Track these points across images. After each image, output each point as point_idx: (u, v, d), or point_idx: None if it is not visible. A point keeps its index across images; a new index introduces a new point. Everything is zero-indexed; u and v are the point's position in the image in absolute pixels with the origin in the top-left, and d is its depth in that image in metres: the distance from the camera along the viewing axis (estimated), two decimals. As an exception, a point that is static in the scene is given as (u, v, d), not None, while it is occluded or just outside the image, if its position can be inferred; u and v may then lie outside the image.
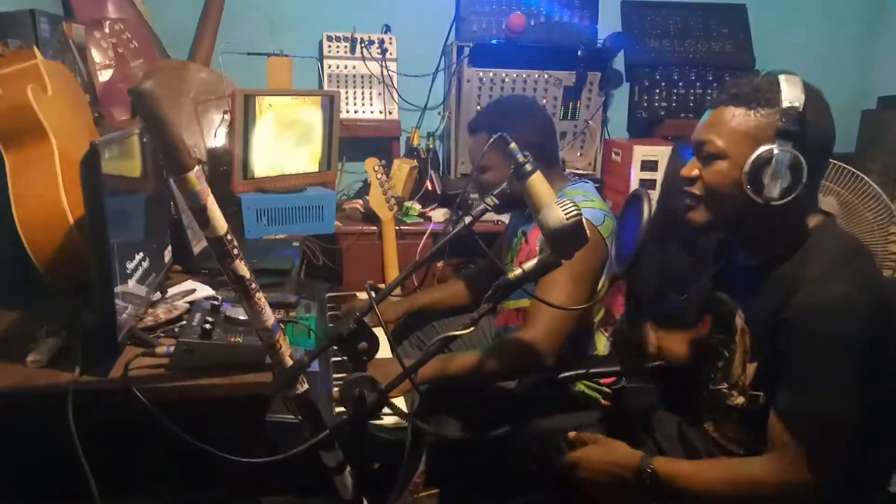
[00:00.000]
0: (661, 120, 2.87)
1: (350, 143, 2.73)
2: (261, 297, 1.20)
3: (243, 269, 1.18)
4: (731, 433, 1.37)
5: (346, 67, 2.71)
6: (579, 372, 1.77)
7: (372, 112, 2.75)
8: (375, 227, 2.45)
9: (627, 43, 2.78)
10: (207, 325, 1.31)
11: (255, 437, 1.35)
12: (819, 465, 1.14)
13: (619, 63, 2.87)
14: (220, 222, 1.15)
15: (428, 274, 2.54)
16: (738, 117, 1.23)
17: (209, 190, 1.14)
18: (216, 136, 2.33)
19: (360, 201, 2.60)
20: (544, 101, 2.70)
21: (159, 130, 1.05)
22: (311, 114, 2.38)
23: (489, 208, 1.36)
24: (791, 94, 1.19)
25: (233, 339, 1.32)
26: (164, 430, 1.18)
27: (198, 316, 1.37)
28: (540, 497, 1.72)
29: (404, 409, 1.60)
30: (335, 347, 1.28)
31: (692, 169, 1.31)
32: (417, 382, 1.66)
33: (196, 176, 1.11)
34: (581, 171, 2.76)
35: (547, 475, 1.66)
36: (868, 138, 2.94)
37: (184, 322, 1.41)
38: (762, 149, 1.19)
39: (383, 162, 2.40)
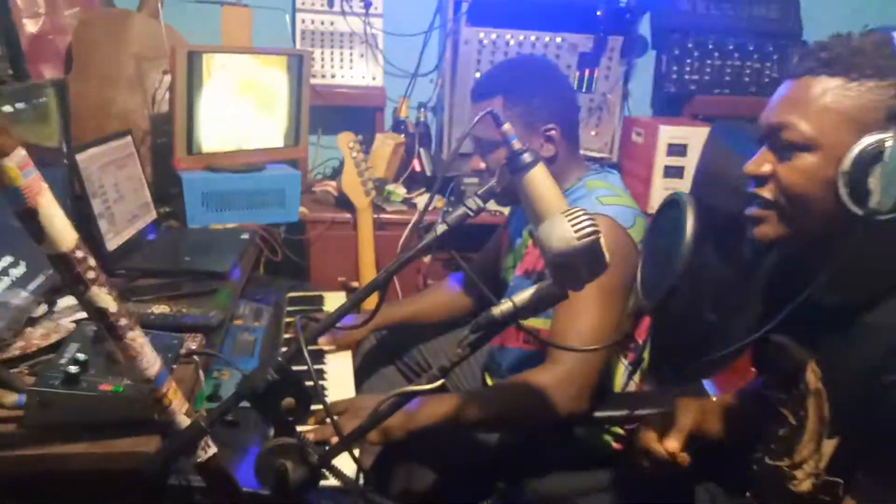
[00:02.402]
0: (691, 96, 2.49)
1: (326, 113, 2.36)
2: (136, 338, 0.85)
3: (105, 299, 0.82)
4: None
5: (322, 23, 2.32)
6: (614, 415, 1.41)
7: (353, 77, 2.37)
8: (349, 215, 2.09)
9: (656, 3, 2.39)
10: (74, 368, 0.95)
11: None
12: None
13: (644, 28, 2.48)
14: (64, 232, 0.78)
15: (412, 271, 2.18)
16: (833, 92, 0.88)
17: (43, 185, 0.77)
18: (158, 101, 1.95)
19: (334, 183, 2.22)
20: (555, 69, 2.32)
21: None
22: (274, 77, 2.00)
23: (471, 213, 1.00)
24: None
25: (109, 388, 0.95)
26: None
27: (71, 349, 1.01)
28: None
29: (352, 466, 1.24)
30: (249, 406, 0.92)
31: (762, 163, 0.95)
32: (414, 428, 1.29)
33: (18, 165, 0.74)
34: (596, 154, 2.38)
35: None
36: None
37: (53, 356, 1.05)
38: (872, 138, 0.83)
39: (359, 138, 2.02)
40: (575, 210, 0.88)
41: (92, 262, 0.78)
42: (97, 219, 1.44)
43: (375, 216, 2.11)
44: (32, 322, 1.18)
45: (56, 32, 2.00)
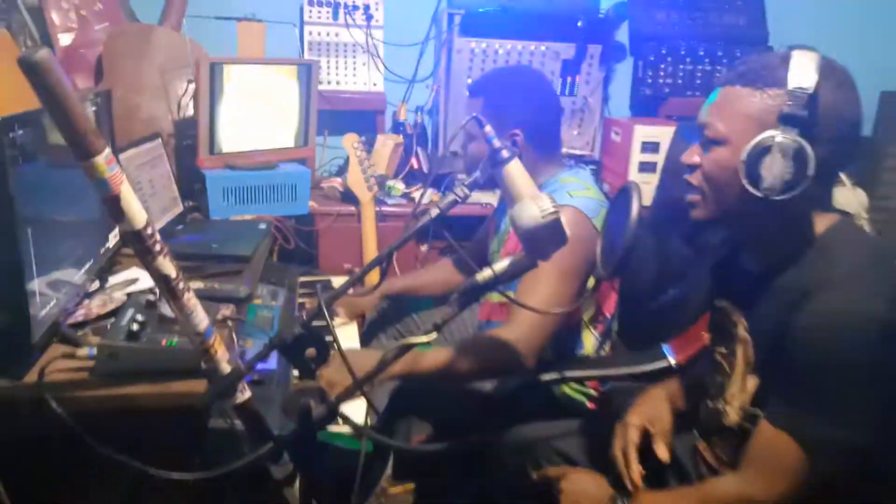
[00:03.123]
0: (665, 98, 2.68)
1: (332, 116, 2.56)
2: (191, 298, 1.06)
3: (168, 266, 1.03)
4: (724, 455, 1.24)
5: (328, 34, 2.52)
6: (557, 376, 1.63)
7: (356, 83, 2.57)
8: (354, 208, 2.29)
9: (632, 13, 2.58)
10: (135, 326, 1.16)
11: (197, 447, 1.23)
12: (794, 484, 1.06)
13: (622, 36, 2.68)
14: (138, 214, 0.99)
15: (411, 258, 2.39)
16: (743, 98, 1.08)
17: (122, 176, 0.98)
18: (183, 107, 2.17)
19: (340, 179, 2.43)
20: (540, 75, 2.52)
21: (57, 107, 0.88)
22: (286, 84, 2.21)
23: (459, 200, 1.20)
24: (800, 73, 1.03)
25: (164, 343, 1.17)
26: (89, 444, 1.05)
27: (129, 313, 1.22)
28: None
29: (363, 411, 1.45)
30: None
31: (692, 155, 1.16)
32: (385, 378, 1.52)
33: (106, 160, 0.95)
34: (578, 152, 2.59)
35: (522, 489, 1.53)
36: (887, 121, 2.76)
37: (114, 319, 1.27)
38: (763, 135, 1.03)
39: (363, 138, 2.23)
40: (541, 195, 1.10)
41: (158, 237, 0.99)
42: (137, 209, 1.66)
43: (377, 209, 2.30)
44: (89, 296, 1.40)
45: (87, 46, 2.20)
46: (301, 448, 1.16)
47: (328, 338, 1.14)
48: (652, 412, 1.34)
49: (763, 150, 1.03)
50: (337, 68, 2.55)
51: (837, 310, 0.99)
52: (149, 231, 0.99)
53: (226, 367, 1.11)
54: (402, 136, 2.49)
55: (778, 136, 1.02)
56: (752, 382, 1.15)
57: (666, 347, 1.65)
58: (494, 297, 1.79)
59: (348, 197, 2.32)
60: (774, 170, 1.02)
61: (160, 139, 1.92)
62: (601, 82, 2.57)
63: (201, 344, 1.07)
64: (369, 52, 2.54)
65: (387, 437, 1.39)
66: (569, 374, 1.63)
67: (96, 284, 1.44)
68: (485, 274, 1.16)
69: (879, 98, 2.79)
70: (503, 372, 1.61)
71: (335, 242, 2.30)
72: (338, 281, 2.13)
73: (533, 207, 1.08)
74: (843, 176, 1.94)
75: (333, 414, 1.14)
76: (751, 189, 1.04)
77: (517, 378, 1.64)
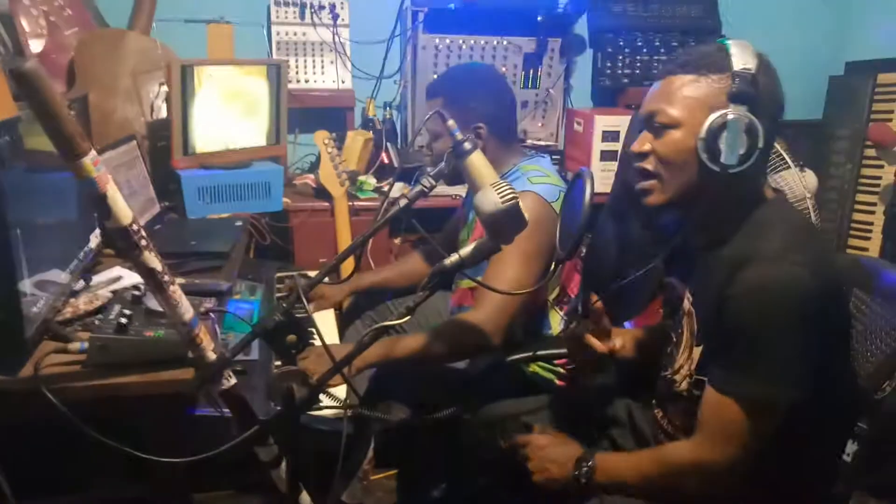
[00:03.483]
0: (624, 88, 2.78)
1: (303, 114, 2.62)
2: (176, 290, 1.13)
3: (154, 260, 1.10)
4: (677, 420, 1.33)
5: (295, 34, 2.58)
6: (527, 354, 1.72)
7: (324, 81, 2.63)
8: (327, 204, 2.35)
9: (589, 7, 2.67)
10: (123, 320, 1.23)
11: (186, 433, 1.29)
12: (742, 445, 1.13)
13: (582, 29, 2.77)
14: (124, 211, 1.06)
15: (385, 251, 2.46)
16: (688, 85, 1.17)
17: (109, 176, 1.05)
18: (156, 109, 2.21)
19: (312, 176, 2.50)
20: (503, 68, 2.60)
21: (46, 113, 0.95)
22: (256, 84, 2.26)
23: (426, 190, 1.28)
24: (743, 57, 1.14)
25: (150, 334, 1.23)
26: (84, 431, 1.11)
27: (116, 308, 1.28)
28: (488, 482, 1.68)
29: (343, 396, 1.53)
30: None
31: (643, 143, 1.24)
32: (363, 366, 1.60)
33: (92, 161, 1.02)
34: (543, 142, 2.68)
35: (495, 461, 1.62)
36: (835, 104, 2.89)
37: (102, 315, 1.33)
38: (717, 114, 1.13)
39: (333, 135, 2.30)
40: (500, 182, 1.18)
41: (143, 233, 1.06)
42: (116, 211, 1.71)
43: (350, 204, 2.37)
44: (75, 294, 1.45)
45: (58, 51, 2.23)
46: (285, 430, 1.23)
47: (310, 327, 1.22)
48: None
49: (719, 128, 1.12)
50: (305, 67, 2.61)
51: (764, 279, 1.08)
52: (135, 227, 1.06)
53: (211, 355, 1.18)
54: (371, 132, 2.55)
55: (730, 113, 1.12)
56: (697, 351, 1.24)
57: (628, 324, 1.76)
58: (464, 283, 1.88)
59: (321, 193, 2.39)
60: (732, 144, 1.12)
61: (135, 141, 1.97)
62: (562, 74, 2.66)
63: (188, 333, 1.14)
64: (336, 51, 2.60)
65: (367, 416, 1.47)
66: (537, 353, 1.73)
67: (81, 283, 1.49)
68: (452, 258, 1.24)
69: (828, 83, 2.91)
70: (473, 353, 1.70)
71: (310, 238, 2.36)
72: (313, 275, 2.19)
73: (493, 194, 1.17)
74: (787, 158, 2.06)
75: (315, 396, 1.21)
76: (710, 164, 1.14)
77: (488, 358, 1.73)
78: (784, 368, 1.10)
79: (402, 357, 1.58)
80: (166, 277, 1.09)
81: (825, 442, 1.25)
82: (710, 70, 1.16)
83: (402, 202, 1.27)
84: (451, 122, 1.30)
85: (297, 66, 2.60)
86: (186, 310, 1.12)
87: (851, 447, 2.26)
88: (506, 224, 1.19)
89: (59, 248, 1.43)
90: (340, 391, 1.54)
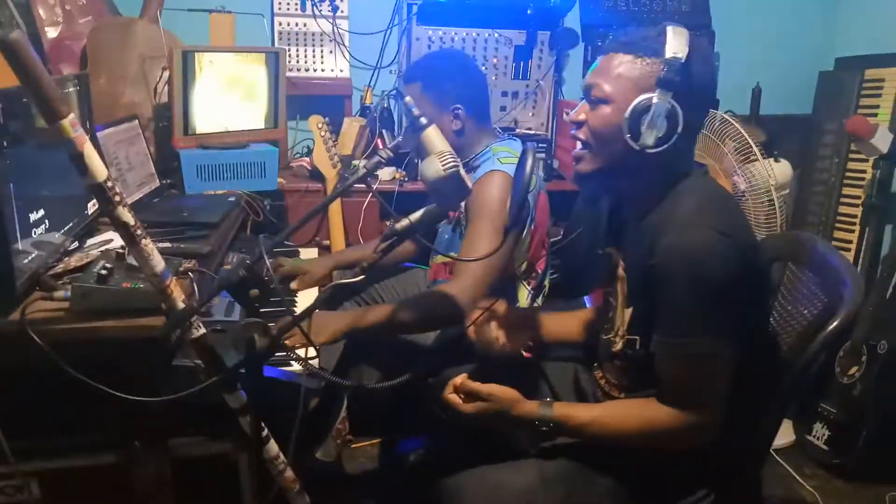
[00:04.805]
0: (614, 80, 2.84)
1: (304, 101, 2.75)
2: (148, 244, 1.24)
3: (126, 215, 1.22)
4: (614, 379, 1.42)
5: (297, 25, 2.71)
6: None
7: (323, 70, 2.76)
8: (321, 185, 2.47)
9: (581, 1, 2.75)
10: (104, 272, 1.35)
11: (163, 381, 1.40)
12: (707, 401, 1.18)
13: (575, 23, 2.85)
14: (99, 168, 1.18)
15: (375, 233, 2.57)
16: (625, 64, 1.26)
17: (86, 137, 1.18)
18: (161, 93, 2.36)
19: (308, 159, 2.62)
20: (494, 60, 2.70)
21: (29, 79, 1.08)
22: (255, 71, 2.40)
23: (383, 161, 1.38)
24: (675, 45, 1.21)
25: (128, 285, 1.36)
26: (66, 372, 1.23)
27: (100, 263, 1.41)
28: (446, 443, 1.79)
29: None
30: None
31: (579, 113, 1.33)
32: (335, 333, 1.69)
33: (71, 123, 1.14)
34: (533, 131, 2.77)
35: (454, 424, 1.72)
36: (825, 99, 2.94)
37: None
38: (643, 97, 1.22)
39: (327, 119, 2.41)
40: (445, 153, 1.29)
41: (118, 189, 1.18)
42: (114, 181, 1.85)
43: (343, 185, 2.49)
44: (69, 254, 1.59)
45: (73, 38, 2.39)
46: (249, 377, 1.35)
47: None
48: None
49: (643, 110, 1.22)
50: (306, 56, 2.74)
51: (678, 244, 1.17)
52: (109, 184, 1.19)
53: (181, 305, 1.30)
54: (366, 119, 2.67)
55: (655, 98, 1.21)
56: (628, 313, 1.33)
57: (587, 298, 1.85)
58: (439, 258, 1.98)
59: (315, 175, 2.51)
60: (651, 127, 1.21)
61: (137, 121, 2.11)
62: (552, 66, 2.75)
63: (159, 284, 1.26)
64: (335, 41, 2.72)
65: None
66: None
67: (76, 245, 1.63)
68: (403, 223, 1.35)
69: (818, 78, 2.96)
70: (445, 323, 1.79)
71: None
72: (305, 252, 2.32)
73: (436, 162, 1.28)
74: (756, 150, 2.13)
75: (275, 345, 1.32)
76: (631, 143, 1.23)
77: (459, 328, 1.83)
78: (709, 324, 1.17)
79: (372, 324, 1.66)
80: (139, 232, 1.21)
81: (744, 401, 1.32)
82: (646, 53, 1.24)
83: (361, 171, 1.38)
84: (408, 99, 1.42)
85: (297, 56, 2.73)
86: (157, 263, 1.24)
87: (820, 429, 2.35)
88: (448, 191, 1.30)
89: (60, 214, 1.57)
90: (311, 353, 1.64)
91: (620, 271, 1.37)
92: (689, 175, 1.29)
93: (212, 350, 1.35)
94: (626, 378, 1.37)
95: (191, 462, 1.52)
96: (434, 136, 1.42)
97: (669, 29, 1.24)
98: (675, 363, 1.21)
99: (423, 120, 1.42)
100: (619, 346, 1.36)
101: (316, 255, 2.30)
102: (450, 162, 1.26)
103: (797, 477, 2.31)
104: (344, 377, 1.91)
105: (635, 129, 1.23)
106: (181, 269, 1.54)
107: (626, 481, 1.29)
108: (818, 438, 2.36)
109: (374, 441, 2.42)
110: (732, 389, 1.21)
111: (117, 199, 1.19)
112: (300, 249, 2.33)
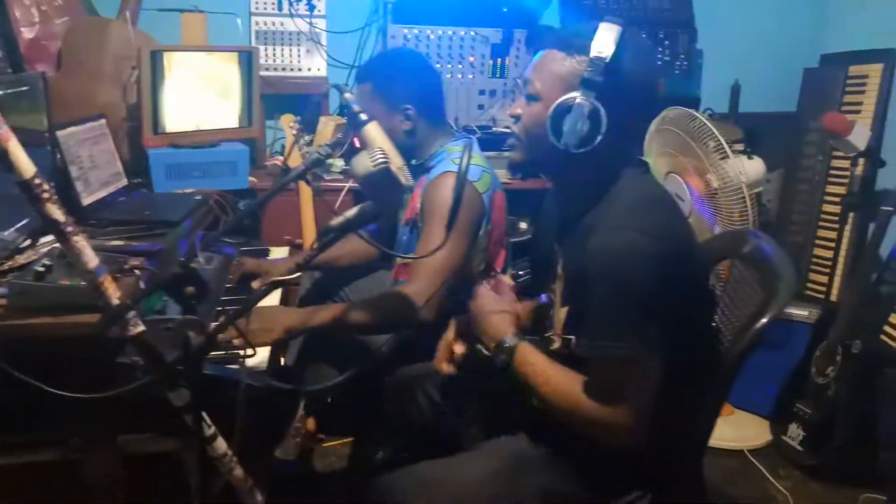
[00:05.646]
0: (593, 79, 2.82)
1: (282, 100, 2.75)
2: (79, 241, 1.24)
3: (56, 212, 1.21)
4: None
5: (273, 24, 2.72)
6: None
7: (300, 69, 2.77)
8: (293, 184, 2.46)
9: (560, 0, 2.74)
10: (42, 269, 1.36)
11: (107, 378, 1.40)
12: (628, 403, 1.15)
13: (554, 21, 2.84)
14: (26, 165, 1.18)
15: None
16: (556, 61, 1.24)
17: (11, 134, 1.18)
18: (131, 91, 2.37)
19: (282, 158, 2.63)
20: (471, 58, 2.70)
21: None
22: (228, 70, 2.41)
23: (321, 157, 1.38)
24: (601, 43, 1.18)
25: (66, 282, 1.36)
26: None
27: (42, 260, 1.42)
28: (403, 441, 1.78)
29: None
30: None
31: (516, 108, 1.33)
32: (290, 333, 1.68)
33: (-7, 121, 1.14)
34: (511, 130, 2.75)
35: (410, 422, 1.71)
36: (810, 96, 2.89)
37: (30, 266, 1.46)
38: (565, 96, 1.20)
39: (298, 118, 2.42)
40: (375, 148, 1.28)
41: (47, 186, 1.18)
42: (74, 180, 1.86)
43: (317, 184, 2.49)
44: (20, 251, 1.60)
45: (49, 38, 2.41)
46: (188, 375, 1.35)
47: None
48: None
49: (565, 109, 1.20)
50: (283, 55, 2.75)
51: (605, 245, 1.16)
52: (37, 181, 1.19)
53: (116, 302, 1.30)
54: (343, 117, 2.67)
55: (578, 97, 1.19)
56: (563, 311, 1.32)
57: (543, 296, 1.83)
58: (400, 259, 1.97)
59: (288, 173, 2.50)
60: (573, 127, 1.19)
61: (104, 120, 2.12)
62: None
63: (92, 281, 1.26)
64: (312, 41, 2.73)
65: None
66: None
67: (27, 242, 1.64)
68: (338, 219, 1.34)
69: (803, 74, 2.92)
70: (400, 324, 1.77)
71: (276, 215, 2.48)
72: (276, 251, 2.32)
73: (366, 157, 1.27)
74: (727, 148, 2.10)
75: (211, 344, 1.32)
76: (554, 142, 1.22)
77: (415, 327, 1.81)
78: (631, 327, 1.14)
79: (323, 323, 1.62)
80: (69, 228, 1.21)
81: (679, 401, 1.30)
82: (577, 51, 1.22)
83: (301, 168, 1.37)
84: (347, 95, 1.42)
85: (275, 55, 2.74)
86: (90, 259, 1.24)
87: (795, 430, 2.31)
88: (380, 187, 1.29)
89: (11, 212, 1.58)
90: (264, 351, 1.62)
91: (560, 269, 1.35)
92: (628, 174, 1.27)
93: (151, 347, 1.35)
94: None
95: (145, 459, 1.53)
96: (373, 133, 1.42)
97: (602, 25, 1.21)
98: (597, 364, 1.19)
99: (363, 116, 1.41)
100: (556, 344, 1.35)
101: (287, 255, 2.30)
102: (379, 157, 1.26)
103: (770, 478, 2.28)
104: (301, 374, 1.92)
105: (557, 129, 1.21)
106: (126, 266, 1.54)
107: (559, 480, 1.27)
108: (793, 439, 2.33)
109: (346, 440, 2.41)
110: (667, 389, 1.19)
111: (45, 195, 1.19)
112: (270, 248, 2.33)
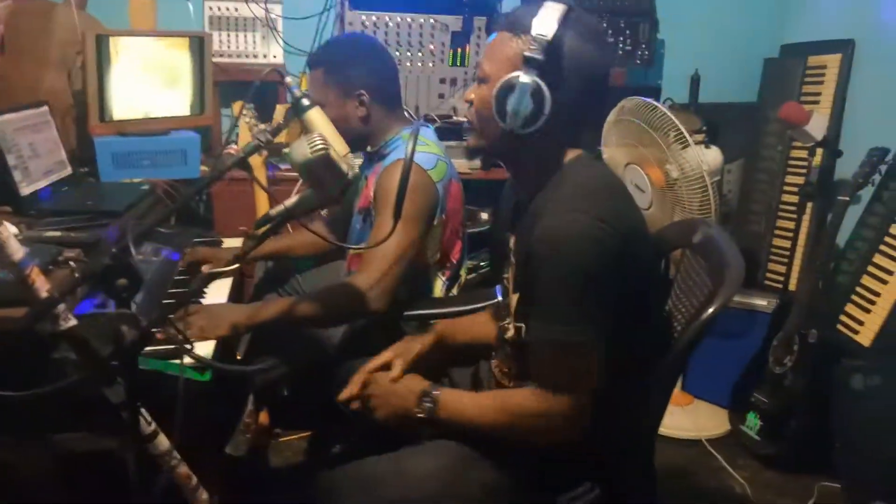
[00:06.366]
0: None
1: (238, 87, 2.68)
2: (2, 231, 1.19)
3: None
4: (506, 367, 1.38)
5: (227, 9, 2.64)
6: (424, 312, 1.78)
7: (256, 56, 2.70)
8: (247, 173, 2.41)
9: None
10: (-34, 262, 1.30)
11: (41, 375, 1.35)
12: (572, 389, 1.13)
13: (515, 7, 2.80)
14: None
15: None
16: (505, 42, 1.22)
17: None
18: (78, 77, 2.29)
19: (236, 147, 2.56)
20: (431, 46, 2.65)
21: None
22: (178, 56, 2.34)
23: (261, 144, 1.34)
24: (542, 22, 1.16)
25: (-8, 276, 1.31)
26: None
27: (-30, 253, 1.36)
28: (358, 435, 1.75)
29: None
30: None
31: (469, 93, 1.31)
32: (257, 322, 1.62)
33: None
34: (466, 116, 2.72)
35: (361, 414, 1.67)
36: (769, 87, 2.89)
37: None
38: (508, 76, 1.17)
39: (251, 105, 2.35)
40: (313, 134, 1.24)
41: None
42: (11, 169, 1.79)
43: (272, 173, 2.44)
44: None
45: (-9, 22, 2.33)
46: (124, 371, 1.30)
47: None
48: (402, 347, 1.49)
49: (508, 88, 1.17)
50: (237, 41, 2.67)
51: (550, 230, 1.13)
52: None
53: (44, 295, 1.24)
54: (299, 105, 2.61)
55: (520, 76, 1.16)
56: (515, 298, 1.29)
57: (497, 287, 1.81)
58: (353, 250, 1.93)
59: (241, 162, 2.44)
60: (515, 106, 1.17)
61: (47, 107, 2.04)
62: (491, 52, 2.69)
63: (19, 273, 1.21)
64: (268, 26, 2.66)
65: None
66: (413, 312, 1.78)
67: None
68: (278, 208, 1.30)
69: (763, 64, 2.92)
70: (351, 315, 1.74)
71: (229, 205, 2.42)
72: (230, 241, 2.26)
73: (303, 144, 1.22)
74: (687, 137, 2.09)
75: (145, 338, 1.27)
76: (499, 122, 1.19)
77: (368, 318, 1.78)
78: (577, 312, 1.12)
79: (271, 318, 1.58)
80: (-15, 219, 1.16)
81: (626, 390, 1.28)
82: (521, 30, 1.19)
83: (238, 156, 1.33)
84: (288, 80, 1.38)
85: (229, 41, 2.67)
86: (15, 251, 1.19)
87: (753, 420, 2.32)
88: (319, 174, 1.25)
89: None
90: (208, 345, 1.57)
91: (511, 256, 1.33)
92: (575, 158, 1.24)
93: (84, 342, 1.30)
94: (516, 366, 1.33)
95: (84, 458, 1.48)
96: (315, 118, 1.37)
97: (545, 5, 1.18)
98: (541, 350, 1.17)
99: (306, 101, 1.37)
100: (510, 332, 1.32)
101: (239, 244, 2.24)
102: (318, 144, 1.21)
103: (728, 467, 2.28)
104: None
105: (502, 109, 1.18)
106: (61, 258, 1.48)
107: (506, 475, 1.25)
108: (751, 428, 2.33)
109: (303, 434, 2.37)
110: (615, 377, 1.16)
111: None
112: (224, 240, 2.27)
